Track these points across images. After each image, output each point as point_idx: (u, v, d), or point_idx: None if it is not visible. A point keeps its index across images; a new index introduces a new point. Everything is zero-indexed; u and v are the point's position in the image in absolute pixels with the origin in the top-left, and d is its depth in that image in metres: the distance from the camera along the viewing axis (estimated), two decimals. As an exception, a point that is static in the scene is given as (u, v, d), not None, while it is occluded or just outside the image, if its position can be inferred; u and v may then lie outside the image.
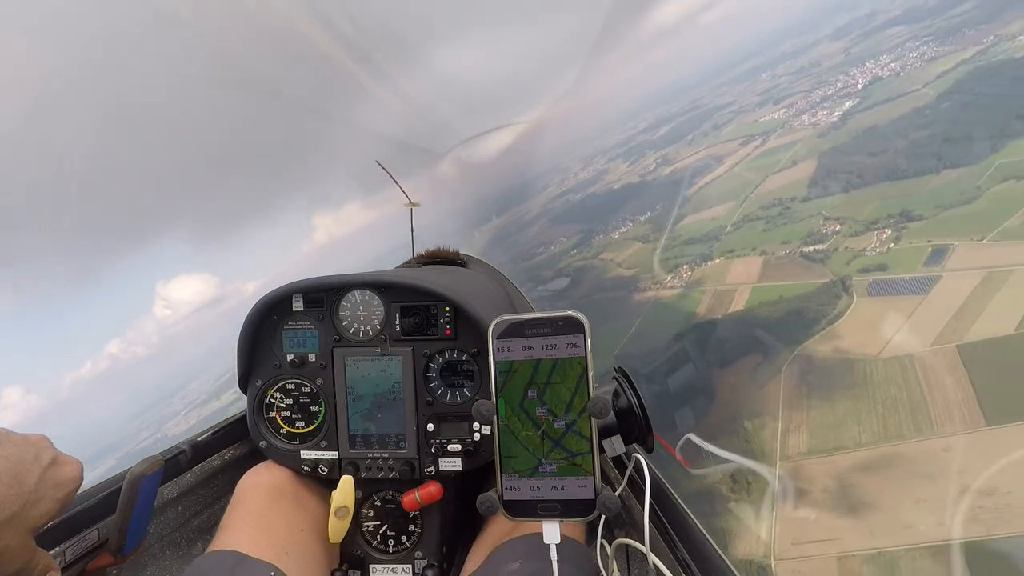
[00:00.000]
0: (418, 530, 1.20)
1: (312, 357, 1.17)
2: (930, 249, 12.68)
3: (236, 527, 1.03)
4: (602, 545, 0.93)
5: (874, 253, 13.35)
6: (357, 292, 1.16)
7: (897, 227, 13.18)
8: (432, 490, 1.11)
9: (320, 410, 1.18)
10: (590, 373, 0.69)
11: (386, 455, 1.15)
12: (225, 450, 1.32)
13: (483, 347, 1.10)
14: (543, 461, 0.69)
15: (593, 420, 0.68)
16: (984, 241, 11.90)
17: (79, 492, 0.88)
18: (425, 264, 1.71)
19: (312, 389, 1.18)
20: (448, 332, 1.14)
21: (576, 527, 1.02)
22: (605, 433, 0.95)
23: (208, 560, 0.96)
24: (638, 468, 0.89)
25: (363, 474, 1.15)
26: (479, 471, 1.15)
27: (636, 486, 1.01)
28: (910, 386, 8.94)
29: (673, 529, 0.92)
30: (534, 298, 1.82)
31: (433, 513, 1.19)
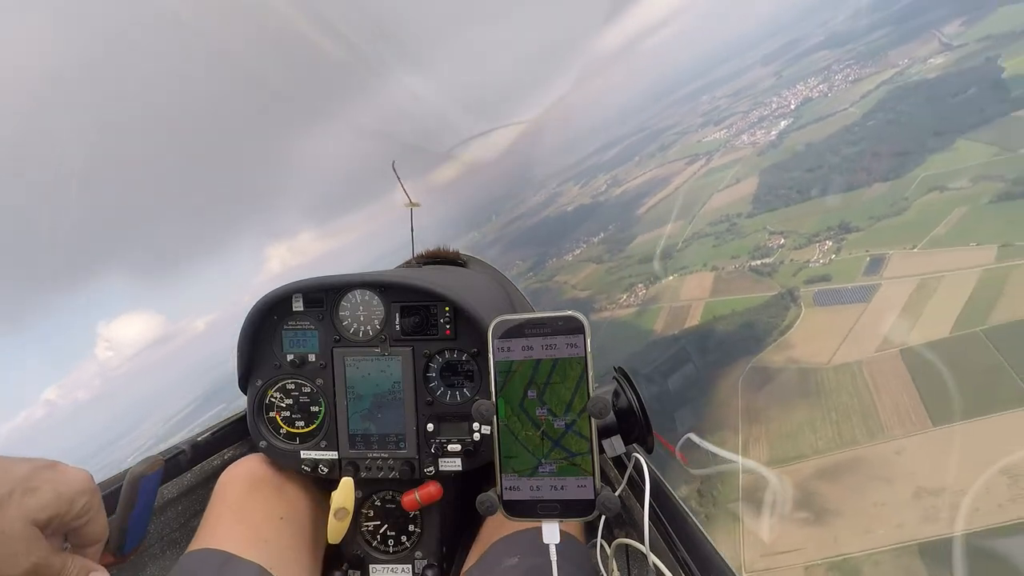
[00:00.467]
0: (418, 530, 1.21)
1: (312, 357, 1.18)
2: (868, 259, 13.48)
3: (215, 523, 1.04)
4: (602, 545, 0.94)
5: (817, 264, 14.06)
6: (357, 292, 1.18)
7: (837, 239, 13.96)
8: (432, 490, 1.11)
9: (320, 410, 1.19)
10: (590, 373, 0.69)
11: (386, 455, 1.16)
12: (225, 450, 1.33)
13: (483, 347, 1.10)
14: (543, 461, 0.70)
15: (593, 420, 0.68)
16: (915, 249, 12.74)
17: None
18: (425, 264, 1.72)
19: (312, 389, 1.19)
20: (448, 332, 1.15)
21: (575, 526, 1.02)
22: (605, 433, 0.95)
23: (191, 560, 0.97)
24: (638, 468, 0.90)
25: (363, 474, 1.16)
26: (479, 471, 1.15)
27: (636, 486, 1.01)
28: (860, 392, 9.34)
29: (673, 529, 0.91)
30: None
31: (433, 513, 1.19)
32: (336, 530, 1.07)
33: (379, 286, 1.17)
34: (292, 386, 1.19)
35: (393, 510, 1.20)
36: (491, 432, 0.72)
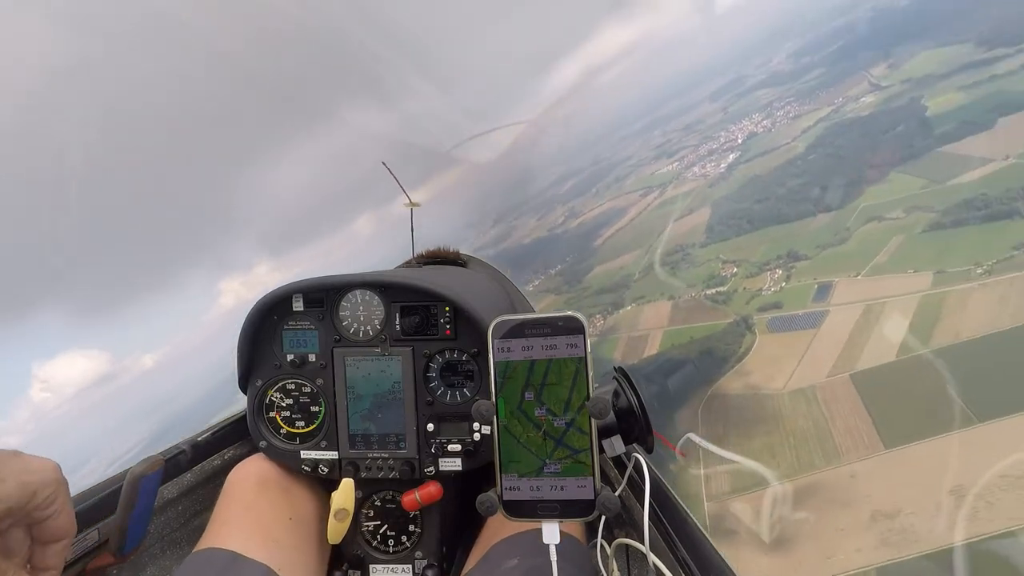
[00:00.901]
0: (418, 530, 1.21)
1: (312, 357, 1.19)
2: (816, 286, 14.12)
3: (226, 521, 1.03)
4: (602, 545, 0.94)
5: (769, 292, 14.63)
6: (357, 292, 1.18)
7: (786, 267, 14.61)
8: (432, 490, 1.11)
9: (320, 410, 1.19)
10: (590, 373, 0.69)
11: (386, 455, 1.17)
12: (225, 450, 1.33)
13: (483, 347, 1.10)
14: (547, 461, 0.70)
15: (593, 420, 0.68)
16: (859, 277, 13.46)
17: (79, 492, 0.92)
18: (425, 264, 1.71)
19: (312, 389, 1.19)
20: (448, 332, 1.15)
21: (576, 526, 1.01)
22: (605, 433, 0.95)
23: (199, 559, 0.96)
24: (638, 468, 0.90)
25: (363, 474, 1.16)
26: (479, 471, 1.15)
27: (636, 486, 1.00)
28: (815, 417, 9.63)
29: (673, 529, 0.91)
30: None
31: (433, 513, 1.19)
32: (336, 531, 1.08)
33: (379, 286, 1.17)
34: (292, 386, 1.20)
35: (393, 510, 1.20)
36: (491, 432, 0.72)
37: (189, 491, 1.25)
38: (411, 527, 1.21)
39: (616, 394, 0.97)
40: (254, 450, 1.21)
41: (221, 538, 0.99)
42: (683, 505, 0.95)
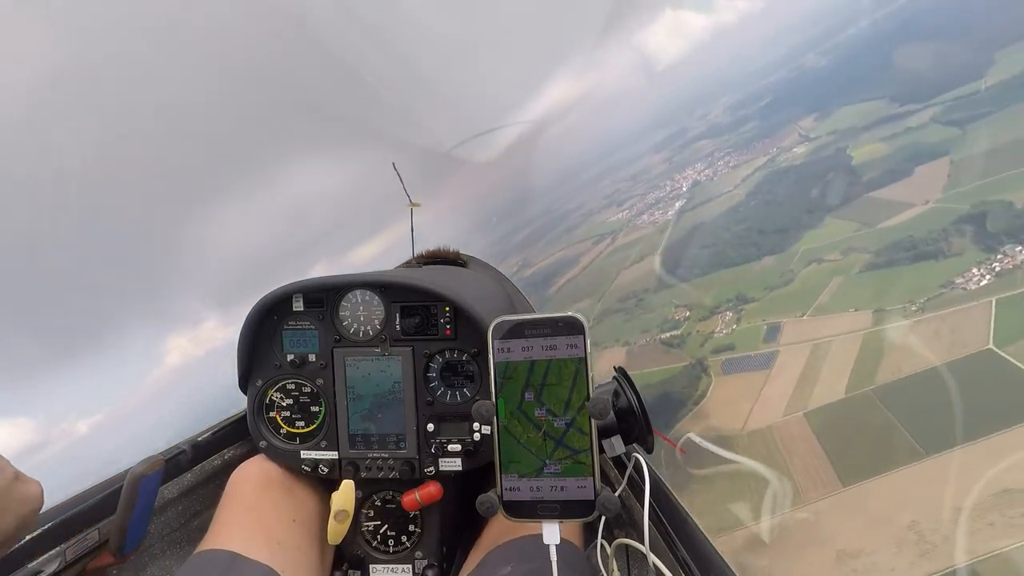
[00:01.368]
0: (418, 530, 1.24)
1: (312, 357, 1.22)
2: (765, 327, 14.65)
3: (228, 522, 1.06)
4: (602, 545, 0.97)
5: (722, 335, 15.07)
6: (357, 292, 1.21)
7: (736, 309, 15.13)
8: (432, 490, 1.15)
9: (320, 410, 1.22)
10: (590, 374, 0.72)
11: (386, 455, 1.19)
12: (225, 450, 1.36)
13: (483, 347, 1.13)
14: (547, 461, 0.72)
15: (593, 420, 0.70)
16: (805, 317, 14.07)
17: (79, 493, 1.00)
18: (425, 264, 1.75)
19: (312, 389, 1.22)
20: (448, 332, 1.19)
21: (574, 528, 1.05)
22: (605, 433, 0.97)
23: (200, 560, 0.98)
24: (638, 468, 0.93)
25: (363, 474, 1.19)
26: (479, 471, 1.19)
27: (636, 486, 1.03)
28: (774, 457, 9.78)
29: (673, 529, 0.95)
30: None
31: (433, 513, 1.23)
32: (336, 532, 1.12)
33: (379, 286, 1.21)
34: (292, 386, 1.23)
35: (393, 510, 1.25)
36: (491, 433, 0.74)
37: (189, 491, 1.30)
38: (411, 527, 1.25)
39: (616, 394, 1.01)
40: (254, 450, 1.25)
41: (223, 539, 1.02)
42: (683, 505, 0.98)
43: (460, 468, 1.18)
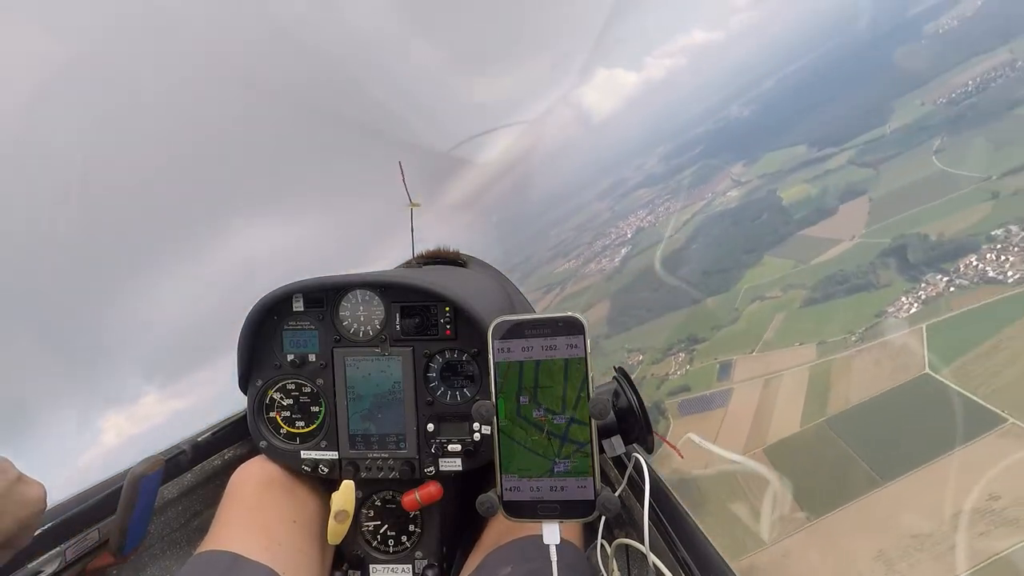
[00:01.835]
0: (418, 530, 1.26)
1: (312, 357, 1.24)
2: (717, 366, 15.03)
3: (228, 523, 1.07)
4: (602, 545, 1.00)
5: (676, 376, 15.34)
6: (357, 292, 1.23)
7: (688, 350, 15.54)
8: (432, 490, 1.18)
9: (320, 410, 1.24)
10: (590, 374, 0.73)
11: (386, 455, 1.21)
12: (225, 450, 1.40)
13: (483, 347, 1.15)
14: (556, 460, 0.72)
15: (593, 420, 0.72)
16: (754, 353, 14.55)
17: (79, 493, 1.06)
18: (425, 264, 1.77)
19: (312, 389, 1.25)
20: (448, 332, 1.21)
21: (574, 528, 1.07)
22: (605, 433, 1.01)
23: (201, 561, 0.99)
24: (638, 468, 0.94)
25: (363, 474, 1.22)
26: (479, 471, 1.22)
27: (636, 486, 1.06)
28: (739, 498, 9.82)
29: (673, 529, 0.99)
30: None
31: (433, 513, 1.26)
32: (336, 532, 1.15)
33: (379, 286, 1.23)
34: (292, 386, 1.26)
35: (393, 510, 1.27)
36: (491, 433, 0.76)
37: (189, 491, 1.33)
38: (411, 527, 1.28)
39: (616, 394, 1.04)
40: (254, 450, 1.27)
41: (223, 540, 1.04)
42: (683, 505, 1.01)
43: (460, 468, 1.20)
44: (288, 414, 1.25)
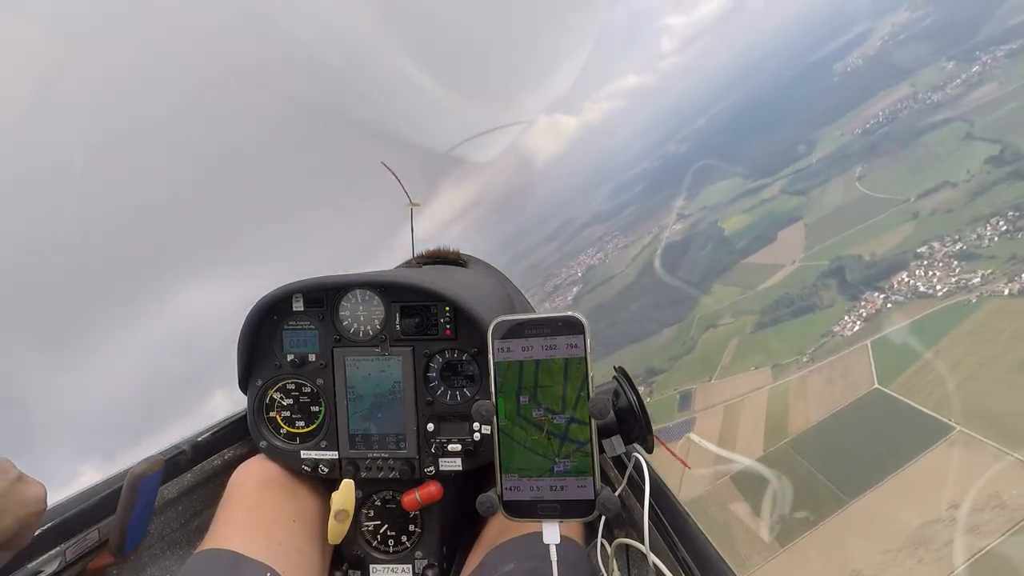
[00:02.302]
0: (418, 530, 1.22)
1: (312, 357, 1.20)
2: (678, 396, 15.30)
3: (229, 522, 1.05)
4: (602, 545, 0.96)
5: (638, 410, 15.45)
6: (357, 292, 1.20)
7: (647, 382, 15.74)
8: (432, 490, 1.13)
9: (320, 410, 1.21)
10: (590, 373, 0.70)
11: (386, 455, 1.18)
12: (225, 450, 1.36)
13: (483, 347, 1.11)
14: (556, 459, 0.71)
15: (593, 420, 0.70)
16: (712, 381, 14.91)
17: (79, 493, 1.05)
18: (425, 264, 1.72)
19: (312, 389, 1.21)
20: (448, 332, 1.18)
21: (575, 527, 1.03)
22: (605, 433, 0.98)
23: (202, 560, 0.98)
24: (638, 468, 0.93)
25: (363, 474, 1.18)
26: (479, 471, 1.18)
27: (636, 486, 1.02)
28: (713, 525, 9.86)
29: (673, 529, 0.95)
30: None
31: (433, 513, 1.21)
32: (336, 532, 1.10)
33: (379, 286, 1.20)
34: (292, 386, 1.21)
35: (393, 510, 1.22)
36: (491, 432, 0.73)
37: (189, 491, 1.27)
38: (411, 527, 1.22)
39: (616, 394, 1.00)
40: (254, 450, 1.23)
41: (224, 539, 1.00)
42: (683, 505, 0.98)
43: (460, 468, 1.16)
44: (288, 414, 1.22)
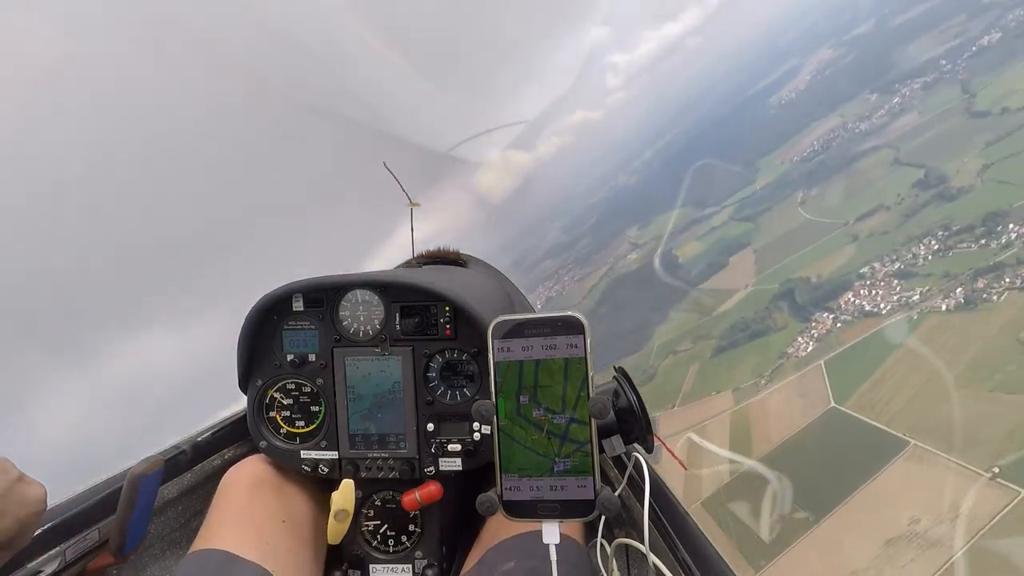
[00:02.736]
0: (418, 530, 1.23)
1: (312, 357, 1.21)
2: (643, 426, 15.38)
3: (220, 523, 1.06)
4: (602, 545, 0.97)
5: (604, 443, 15.47)
6: (357, 292, 1.21)
7: (612, 414, 15.80)
8: (432, 490, 1.14)
9: (320, 410, 1.21)
10: (590, 373, 0.71)
11: (386, 455, 1.19)
12: (225, 450, 1.35)
13: (483, 347, 1.13)
14: (556, 459, 0.71)
15: (593, 420, 0.71)
16: (676, 408, 15.10)
17: (79, 493, 1.07)
18: (425, 264, 1.76)
19: (312, 389, 1.22)
20: (448, 332, 1.18)
21: (575, 527, 1.04)
22: (605, 433, 0.98)
23: (194, 560, 0.99)
24: (638, 468, 0.93)
25: (363, 474, 1.19)
26: (479, 471, 1.19)
27: (636, 486, 1.03)
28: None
29: (673, 529, 0.95)
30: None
31: (433, 513, 1.22)
32: (336, 531, 1.12)
33: (379, 286, 1.21)
34: (292, 386, 1.22)
35: (393, 510, 1.23)
36: (491, 432, 0.73)
37: (189, 491, 1.29)
38: (411, 527, 1.24)
39: (616, 394, 1.02)
40: (254, 450, 1.24)
41: (215, 539, 1.02)
42: (683, 505, 0.99)
43: (460, 468, 1.18)
44: (288, 414, 1.23)
